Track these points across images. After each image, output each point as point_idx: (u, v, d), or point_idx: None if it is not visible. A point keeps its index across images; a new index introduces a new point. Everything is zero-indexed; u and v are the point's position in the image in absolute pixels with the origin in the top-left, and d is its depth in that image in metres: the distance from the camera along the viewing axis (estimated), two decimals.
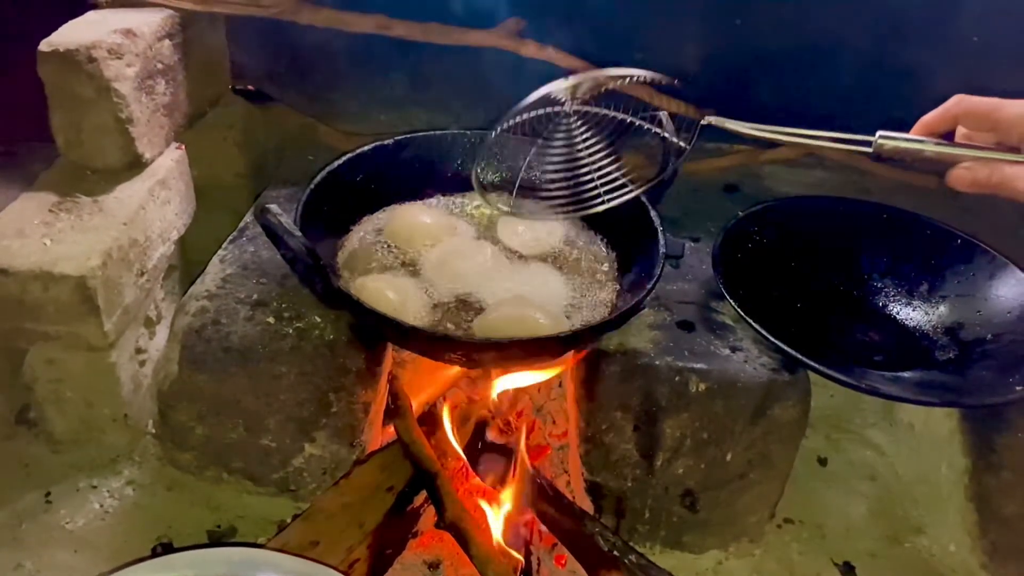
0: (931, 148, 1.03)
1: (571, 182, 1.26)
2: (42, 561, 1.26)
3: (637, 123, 1.23)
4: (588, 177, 1.25)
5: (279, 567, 1.01)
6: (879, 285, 1.43)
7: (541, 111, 1.18)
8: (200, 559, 1.01)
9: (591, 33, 1.70)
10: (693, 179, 1.76)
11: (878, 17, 1.67)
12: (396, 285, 1.27)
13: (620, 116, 1.24)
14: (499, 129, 1.19)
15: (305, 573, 1.02)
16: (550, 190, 1.27)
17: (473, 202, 1.49)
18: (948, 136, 1.04)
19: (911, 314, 1.39)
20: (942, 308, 1.38)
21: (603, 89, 1.20)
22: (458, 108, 1.80)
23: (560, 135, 1.25)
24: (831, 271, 1.44)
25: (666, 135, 1.21)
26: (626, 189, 1.25)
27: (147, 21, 1.44)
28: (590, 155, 1.25)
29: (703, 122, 1.14)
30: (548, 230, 1.42)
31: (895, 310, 1.41)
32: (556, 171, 1.26)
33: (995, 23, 1.62)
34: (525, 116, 1.17)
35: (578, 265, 1.38)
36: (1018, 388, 1.18)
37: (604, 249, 1.41)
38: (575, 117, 1.23)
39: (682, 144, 1.20)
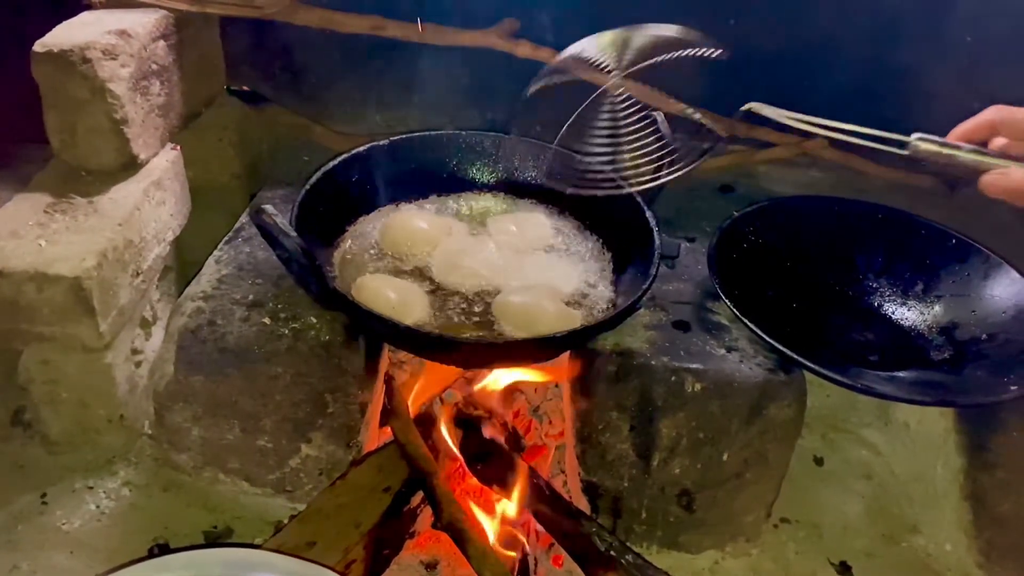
0: (967, 155, 1.03)
1: (612, 157, 1.27)
2: (38, 563, 1.26)
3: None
4: (627, 154, 1.25)
5: (276, 568, 1.01)
6: (874, 285, 1.43)
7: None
8: (197, 560, 1.01)
9: (587, 33, 1.70)
10: (687, 179, 1.76)
11: (873, 17, 1.67)
12: (396, 285, 1.27)
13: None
14: (534, 88, 1.19)
15: (302, 574, 1.01)
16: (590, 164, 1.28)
17: (463, 201, 1.50)
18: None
19: (906, 314, 1.40)
20: (937, 308, 1.38)
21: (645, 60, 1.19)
22: (453, 109, 1.80)
23: (603, 108, 1.23)
24: (826, 271, 1.44)
25: (703, 122, 1.21)
26: (663, 172, 1.23)
27: (142, 22, 1.44)
28: (630, 131, 1.24)
29: (744, 108, 1.14)
30: (537, 226, 1.43)
31: (890, 310, 1.41)
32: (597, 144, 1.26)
33: (989, 23, 1.62)
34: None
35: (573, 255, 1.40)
36: (1013, 388, 1.18)
37: (600, 249, 1.41)
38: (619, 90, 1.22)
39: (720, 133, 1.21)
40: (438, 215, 1.46)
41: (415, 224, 1.40)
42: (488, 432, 1.37)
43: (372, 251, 1.36)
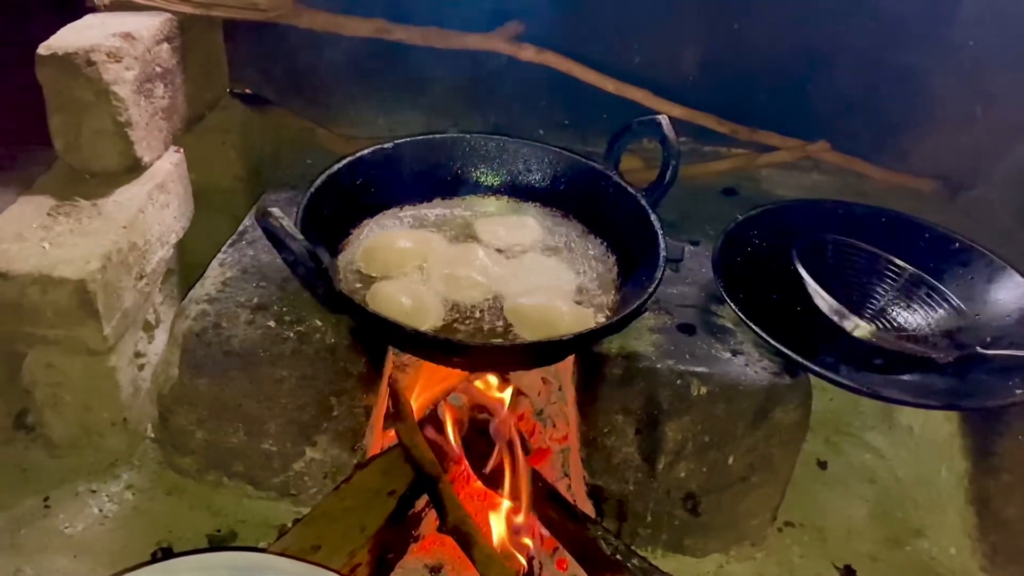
0: None
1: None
2: (41, 567, 1.25)
3: None
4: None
5: (282, 571, 1.01)
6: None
7: None
8: (203, 563, 1.01)
9: (591, 37, 1.71)
10: (691, 183, 1.76)
11: (875, 22, 1.68)
12: (410, 290, 1.27)
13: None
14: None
15: None
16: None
17: (466, 205, 1.49)
18: None
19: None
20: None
21: None
22: (456, 112, 1.80)
23: None
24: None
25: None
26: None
27: (145, 25, 1.44)
28: None
29: None
30: (525, 227, 1.43)
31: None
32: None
33: (990, 28, 1.63)
34: None
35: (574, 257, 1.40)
36: (1017, 391, 1.19)
37: (605, 252, 1.41)
38: None
39: None
40: (414, 229, 1.42)
41: (400, 245, 1.37)
42: (492, 435, 1.36)
43: (359, 274, 1.33)
